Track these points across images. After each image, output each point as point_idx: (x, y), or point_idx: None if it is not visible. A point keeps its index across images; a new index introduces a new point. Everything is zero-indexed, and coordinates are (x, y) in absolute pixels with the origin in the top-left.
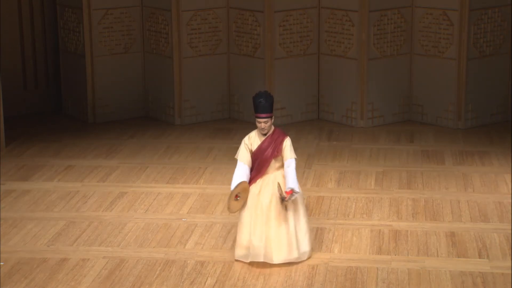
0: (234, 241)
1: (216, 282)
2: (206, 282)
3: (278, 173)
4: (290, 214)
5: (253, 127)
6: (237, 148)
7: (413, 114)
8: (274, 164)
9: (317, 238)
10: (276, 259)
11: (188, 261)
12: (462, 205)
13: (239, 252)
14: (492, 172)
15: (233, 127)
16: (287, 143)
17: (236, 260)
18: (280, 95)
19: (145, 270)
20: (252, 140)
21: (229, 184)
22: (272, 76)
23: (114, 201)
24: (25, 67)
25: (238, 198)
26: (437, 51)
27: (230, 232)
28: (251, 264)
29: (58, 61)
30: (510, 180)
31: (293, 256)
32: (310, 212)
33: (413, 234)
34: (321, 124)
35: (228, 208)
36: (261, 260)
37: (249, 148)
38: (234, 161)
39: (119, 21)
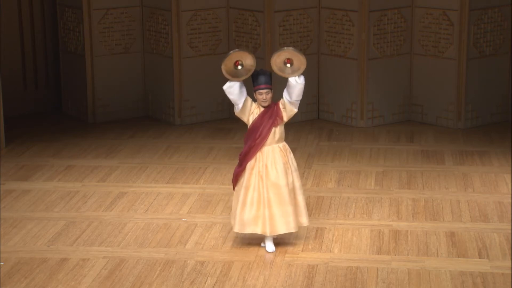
0: (234, 241)
1: (216, 282)
2: (206, 282)
3: (276, 146)
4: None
5: None
6: (237, 148)
7: (413, 114)
8: (273, 136)
9: (317, 238)
10: (281, 230)
11: (188, 261)
12: (462, 205)
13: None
14: (492, 172)
15: (233, 127)
16: (281, 101)
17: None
18: (280, 95)
19: (145, 270)
20: (254, 108)
21: (230, 184)
22: (272, 75)
23: (114, 201)
24: (25, 67)
25: (240, 66)
26: (437, 51)
27: (230, 232)
28: (251, 264)
29: (58, 61)
30: (510, 180)
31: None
32: (310, 212)
33: (413, 234)
34: (321, 124)
35: (223, 65)
36: (267, 234)
37: (250, 107)
38: (234, 161)
39: (119, 21)
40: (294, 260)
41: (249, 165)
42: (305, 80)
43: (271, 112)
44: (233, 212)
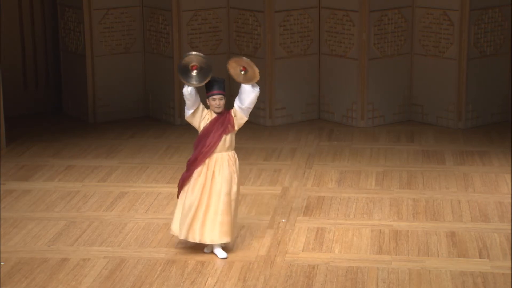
0: (234, 241)
1: (216, 282)
2: (206, 282)
3: (225, 154)
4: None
5: (252, 126)
6: (237, 148)
7: (413, 114)
8: (224, 143)
9: (318, 238)
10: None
11: (189, 261)
12: (462, 205)
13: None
14: (493, 172)
15: None
16: (233, 109)
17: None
18: (281, 95)
19: (145, 270)
20: (205, 114)
21: None
22: (273, 76)
23: (115, 201)
24: (25, 67)
25: (195, 71)
26: (437, 51)
27: None
28: (252, 264)
29: (58, 61)
30: (510, 180)
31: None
32: (310, 212)
33: (414, 234)
34: (321, 124)
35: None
36: (197, 241)
37: (201, 112)
38: None
39: (120, 21)
40: (294, 260)
41: (196, 171)
42: (306, 80)
43: (223, 119)
44: (175, 217)
